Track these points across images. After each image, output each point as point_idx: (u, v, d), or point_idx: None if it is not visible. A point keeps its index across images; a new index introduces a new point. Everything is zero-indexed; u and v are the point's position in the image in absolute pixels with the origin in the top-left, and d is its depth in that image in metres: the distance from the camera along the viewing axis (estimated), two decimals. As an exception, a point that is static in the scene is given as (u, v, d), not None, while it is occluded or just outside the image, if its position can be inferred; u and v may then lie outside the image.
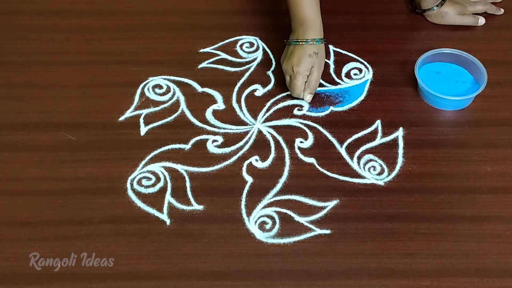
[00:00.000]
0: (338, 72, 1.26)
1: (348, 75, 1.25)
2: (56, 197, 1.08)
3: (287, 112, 1.20)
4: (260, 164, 1.12)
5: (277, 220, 1.06)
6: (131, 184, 1.10)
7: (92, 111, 1.20)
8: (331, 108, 1.20)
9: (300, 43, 1.16)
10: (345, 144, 1.15)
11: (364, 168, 1.12)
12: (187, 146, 1.15)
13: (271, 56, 1.28)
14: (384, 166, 1.12)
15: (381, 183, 1.10)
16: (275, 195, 1.08)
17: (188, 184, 1.10)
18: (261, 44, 1.30)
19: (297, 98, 1.21)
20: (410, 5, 1.36)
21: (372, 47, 1.29)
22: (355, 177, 1.11)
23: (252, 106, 1.20)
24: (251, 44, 1.31)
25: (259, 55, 1.29)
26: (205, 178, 1.11)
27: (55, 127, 1.18)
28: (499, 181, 1.10)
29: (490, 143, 1.15)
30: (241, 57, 1.28)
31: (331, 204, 1.07)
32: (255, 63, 1.27)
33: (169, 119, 1.19)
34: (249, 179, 1.10)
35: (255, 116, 1.19)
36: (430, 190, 1.09)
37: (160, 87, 1.23)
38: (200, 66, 1.27)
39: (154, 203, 1.08)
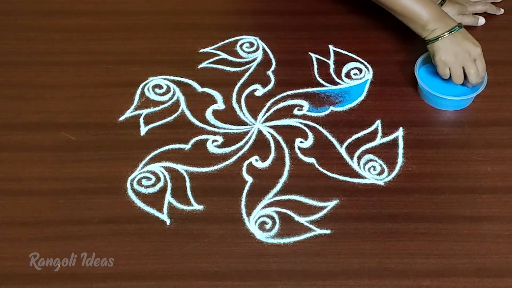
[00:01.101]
0: (338, 72, 1.26)
1: (348, 75, 1.25)
2: (56, 197, 1.08)
3: (287, 112, 1.20)
4: (260, 164, 1.12)
5: (277, 220, 1.06)
6: (131, 184, 1.10)
7: (92, 111, 1.20)
8: (331, 108, 1.20)
9: (455, 30, 1.15)
10: (345, 144, 1.15)
11: (364, 168, 1.12)
12: (187, 146, 1.15)
13: (271, 56, 1.28)
14: (384, 166, 1.12)
15: (381, 183, 1.10)
16: (275, 195, 1.08)
17: (188, 184, 1.10)
18: (261, 44, 1.30)
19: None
20: (410, 5, 1.36)
21: (372, 47, 1.29)
22: (355, 177, 1.11)
23: (252, 106, 1.20)
24: (251, 44, 1.31)
25: (259, 55, 1.29)
26: (205, 178, 1.11)
27: (55, 127, 1.18)
28: (499, 181, 1.10)
29: (490, 143, 1.15)
30: (241, 57, 1.28)
31: (331, 204, 1.07)
32: (255, 63, 1.27)
33: (169, 119, 1.19)
34: (249, 179, 1.10)
35: (255, 116, 1.19)
36: (430, 190, 1.09)
37: (160, 87, 1.23)
38: (200, 66, 1.27)
39: (154, 203, 1.08)
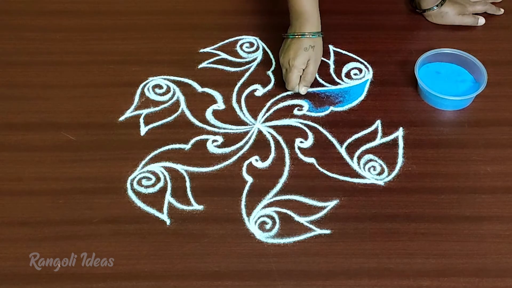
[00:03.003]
0: (338, 72, 1.26)
1: (348, 75, 1.25)
2: (56, 197, 1.08)
3: (287, 112, 1.20)
4: (260, 164, 1.12)
5: (277, 220, 1.06)
6: (131, 184, 1.10)
7: (92, 111, 1.20)
8: (331, 108, 1.20)
9: (297, 36, 1.18)
10: (345, 144, 1.15)
11: (364, 168, 1.12)
12: (187, 146, 1.15)
13: (271, 56, 1.28)
14: (384, 166, 1.12)
15: (381, 183, 1.10)
16: (275, 195, 1.08)
17: (188, 184, 1.10)
18: (261, 44, 1.30)
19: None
20: (410, 5, 1.36)
21: (372, 47, 1.29)
22: (355, 177, 1.11)
23: (252, 106, 1.20)
24: (251, 44, 1.31)
25: (259, 55, 1.29)
26: (205, 178, 1.11)
27: (55, 127, 1.18)
28: (499, 181, 1.10)
29: (490, 143, 1.15)
30: (241, 57, 1.28)
31: (331, 204, 1.07)
32: (255, 63, 1.27)
33: (169, 119, 1.19)
34: (249, 179, 1.10)
35: (255, 116, 1.19)
36: (430, 190, 1.09)
37: (160, 87, 1.23)
38: (200, 66, 1.27)
39: (154, 203, 1.08)
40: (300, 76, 1.19)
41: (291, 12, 1.20)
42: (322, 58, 1.25)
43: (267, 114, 1.19)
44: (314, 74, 1.20)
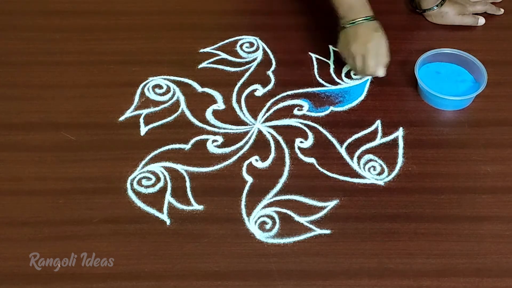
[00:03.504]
0: (338, 72, 1.26)
1: (348, 75, 1.25)
2: (56, 197, 1.08)
3: (287, 112, 1.20)
4: (260, 164, 1.12)
5: (277, 220, 1.06)
6: (131, 184, 1.10)
7: (92, 111, 1.20)
8: (331, 108, 1.20)
9: (359, 22, 1.15)
10: (345, 144, 1.15)
11: (364, 168, 1.12)
12: (187, 146, 1.15)
13: (271, 56, 1.28)
14: (384, 166, 1.12)
15: (381, 183, 1.10)
16: (275, 195, 1.08)
17: (188, 184, 1.10)
18: (261, 44, 1.30)
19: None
20: (410, 5, 1.36)
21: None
22: (355, 177, 1.11)
23: (252, 106, 1.20)
24: (251, 44, 1.31)
25: (259, 55, 1.29)
26: (205, 178, 1.11)
27: (55, 127, 1.18)
28: (499, 181, 1.10)
29: (490, 143, 1.15)
30: (241, 57, 1.28)
31: (331, 204, 1.07)
32: (255, 63, 1.27)
33: (169, 119, 1.19)
34: (249, 179, 1.10)
35: (255, 116, 1.19)
36: (430, 190, 1.09)
37: (160, 87, 1.23)
38: (200, 66, 1.27)
39: (154, 203, 1.08)
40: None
41: (340, 7, 1.17)
42: (322, 58, 1.26)
43: (267, 114, 1.19)
44: (388, 54, 1.17)
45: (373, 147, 1.14)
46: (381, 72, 1.16)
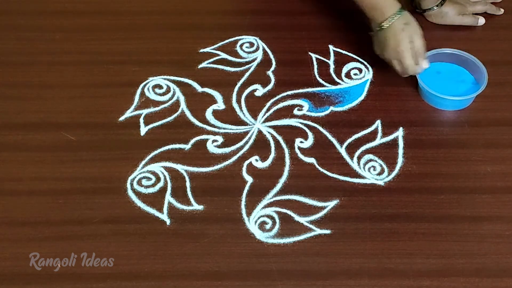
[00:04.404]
0: (338, 72, 1.26)
1: (348, 75, 1.25)
2: (56, 197, 1.08)
3: (287, 112, 1.20)
4: (260, 164, 1.12)
5: (277, 220, 1.06)
6: (131, 184, 1.10)
7: (92, 111, 1.20)
8: (331, 108, 1.20)
9: (383, 26, 1.15)
10: (345, 144, 1.15)
11: (364, 168, 1.12)
12: (187, 146, 1.15)
13: (271, 56, 1.28)
14: (384, 166, 1.12)
15: (381, 183, 1.10)
16: (275, 195, 1.08)
17: (188, 184, 1.10)
18: (261, 44, 1.30)
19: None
20: (410, 5, 1.36)
21: (372, 47, 1.29)
22: (355, 177, 1.11)
23: (252, 106, 1.20)
24: (251, 44, 1.31)
25: (259, 55, 1.29)
26: (205, 178, 1.11)
27: (55, 127, 1.18)
28: (499, 181, 1.10)
29: (490, 143, 1.15)
30: (241, 57, 1.28)
31: (331, 204, 1.07)
32: (255, 63, 1.27)
33: (169, 119, 1.19)
34: (249, 179, 1.10)
35: (255, 116, 1.19)
36: (430, 190, 1.09)
37: (160, 87, 1.23)
38: (200, 66, 1.27)
39: (154, 203, 1.08)
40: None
41: (365, 8, 1.17)
42: (322, 58, 1.26)
43: (267, 114, 1.19)
44: (423, 45, 1.16)
45: (373, 147, 1.14)
46: (424, 65, 1.16)
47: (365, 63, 1.27)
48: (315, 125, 1.18)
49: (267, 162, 1.13)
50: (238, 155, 1.14)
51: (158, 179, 1.11)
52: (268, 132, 1.17)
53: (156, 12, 1.37)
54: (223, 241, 1.03)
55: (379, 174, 1.11)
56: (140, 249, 1.03)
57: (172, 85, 1.24)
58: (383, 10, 1.15)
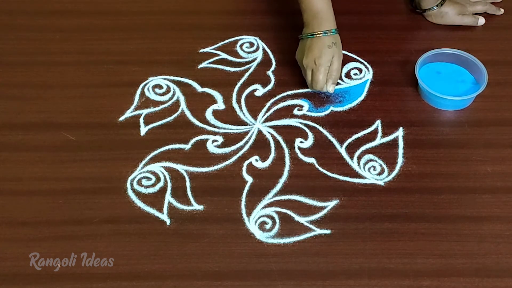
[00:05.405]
0: (338, 72, 1.26)
1: (348, 75, 1.25)
2: (56, 197, 1.08)
3: (287, 112, 1.20)
4: (260, 164, 1.12)
5: (277, 220, 1.06)
6: (131, 184, 1.10)
7: (92, 111, 1.20)
8: (331, 108, 1.20)
9: (317, 35, 1.16)
10: (345, 144, 1.15)
11: (364, 168, 1.12)
12: (187, 146, 1.15)
13: (271, 56, 1.28)
14: (384, 166, 1.12)
15: (381, 183, 1.10)
16: (275, 195, 1.08)
17: (188, 184, 1.10)
18: (261, 44, 1.31)
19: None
20: (410, 5, 1.37)
21: (372, 47, 1.29)
22: (355, 177, 1.11)
23: (252, 106, 1.20)
24: (251, 44, 1.31)
25: (259, 55, 1.29)
26: (205, 178, 1.11)
27: (55, 127, 1.18)
28: (499, 181, 1.10)
29: (490, 143, 1.15)
30: (241, 57, 1.28)
31: (331, 204, 1.07)
32: (255, 63, 1.27)
33: (169, 119, 1.19)
34: (249, 179, 1.10)
35: (255, 116, 1.19)
36: (430, 190, 1.09)
37: (160, 87, 1.23)
38: (200, 66, 1.27)
39: (154, 203, 1.08)
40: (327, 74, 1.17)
41: (306, 13, 1.18)
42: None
43: (267, 114, 1.19)
44: (340, 71, 1.19)
45: (373, 147, 1.14)
46: (330, 89, 1.18)
47: (365, 63, 1.27)
48: (315, 125, 1.18)
49: (267, 162, 1.13)
50: (238, 155, 1.14)
51: (158, 179, 1.11)
52: (268, 132, 1.17)
53: (156, 12, 1.37)
54: (223, 241, 1.03)
55: (379, 174, 1.11)
56: (140, 249, 1.03)
57: (172, 85, 1.24)
58: (321, 22, 1.16)
